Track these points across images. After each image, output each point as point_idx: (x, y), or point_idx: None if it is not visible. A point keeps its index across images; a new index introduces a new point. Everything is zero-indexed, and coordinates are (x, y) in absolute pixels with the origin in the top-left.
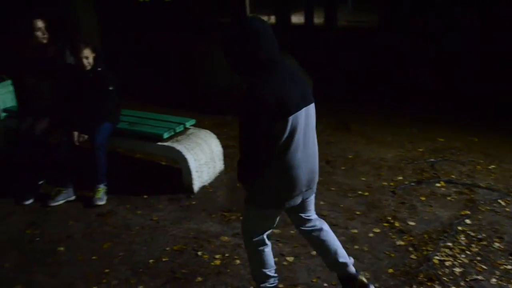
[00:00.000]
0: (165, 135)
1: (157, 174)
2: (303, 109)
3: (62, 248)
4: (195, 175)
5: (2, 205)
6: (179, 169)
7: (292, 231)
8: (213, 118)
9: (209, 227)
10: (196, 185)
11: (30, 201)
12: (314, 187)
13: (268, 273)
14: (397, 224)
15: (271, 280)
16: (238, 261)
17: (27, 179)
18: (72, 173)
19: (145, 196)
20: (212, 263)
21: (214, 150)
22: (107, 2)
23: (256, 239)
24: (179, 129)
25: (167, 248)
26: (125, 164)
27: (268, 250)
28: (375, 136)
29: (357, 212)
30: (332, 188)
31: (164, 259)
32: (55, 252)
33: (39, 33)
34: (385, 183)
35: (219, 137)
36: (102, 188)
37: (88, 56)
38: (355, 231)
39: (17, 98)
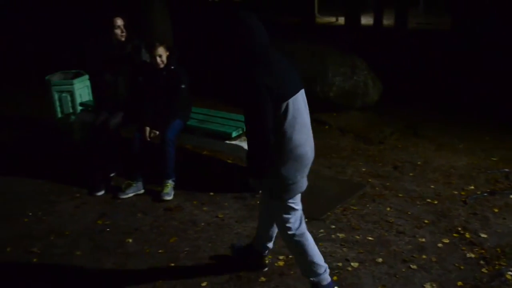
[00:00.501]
0: (234, 134)
1: (223, 172)
2: (299, 93)
3: (130, 240)
4: None
5: (76, 195)
6: (244, 168)
7: (357, 236)
8: None
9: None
10: None
11: (101, 193)
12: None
13: (317, 262)
14: (467, 235)
15: (322, 269)
16: None
17: (99, 171)
18: (142, 167)
19: (211, 193)
20: (276, 264)
21: None
22: (180, 3)
23: (298, 232)
24: None
25: None
26: (193, 160)
27: (310, 238)
28: (445, 142)
29: (426, 221)
30: (400, 195)
31: (228, 257)
32: (123, 244)
33: (118, 31)
34: (456, 192)
35: None
36: (170, 183)
37: (161, 55)
38: (423, 240)
39: (94, 93)
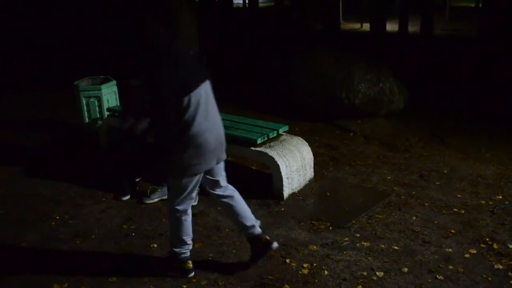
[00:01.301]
0: (259, 141)
1: (247, 178)
2: (202, 85)
3: (155, 245)
4: (285, 182)
5: (102, 199)
6: (269, 175)
7: (382, 245)
8: (304, 125)
9: (297, 235)
10: (286, 191)
11: (127, 197)
12: (224, 150)
13: (185, 238)
14: (495, 246)
15: (185, 247)
16: (326, 272)
17: (125, 176)
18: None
19: None
20: (300, 272)
21: (306, 157)
22: (206, 9)
23: (181, 208)
24: (272, 135)
25: None
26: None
27: (189, 219)
28: (472, 150)
29: (452, 231)
30: (426, 204)
31: (253, 264)
32: (148, 248)
33: None
34: (483, 202)
35: (310, 145)
36: None
37: None
38: (450, 250)
39: (121, 99)
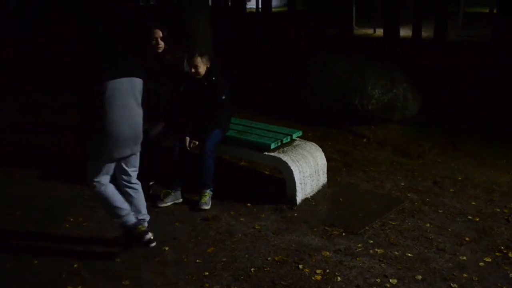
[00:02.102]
0: (272, 146)
1: (260, 183)
2: (124, 79)
3: (168, 248)
4: (298, 187)
5: None
6: (282, 180)
7: (396, 252)
8: (317, 130)
9: (310, 241)
10: (299, 197)
11: None
12: (139, 143)
13: (118, 207)
14: (510, 254)
15: (124, 213)
16: (339, 278)
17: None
18: (181, 176)
19: (248, 204)
20: (313, 278)
21: (319, 163)
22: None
23: (95, 182)
24: (285, 140)
25: (269, 258)
26: (230, 171)
27: (109, 189)
28: (487, 157)
29: (467, 238)
30: (440, 211)
31: (265, 269)
32: (161, 252)
33: (153, 42)
34: (498, 210)
35: (323, 150)
36: (208, 193)
37: (197, 65)
38: (464, 258)
39: None
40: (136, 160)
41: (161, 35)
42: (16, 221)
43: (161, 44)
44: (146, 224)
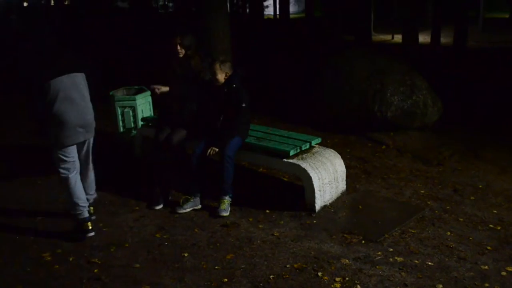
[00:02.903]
0: (292, 152)
1: (279, 190)
2: (64, 77)
3: (187, 255)
4: (317, 194)
5: (136, 208)
6: (301, 186)
7: (416, 261)
8: (336, 137)
9: (329, 248)
10: (318, 204)
11: (160, 206)
12: (91, 130)
13: (77, 201)
14: None
15: (80, 209)
16: (358, 286)
17: (158, 186)
18: (200, 182)
19: (267, 211)
20: (332, 286)
21: (338, 170)
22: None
23: (62, 169)
24: (304, 147)
25: (288, 265)
26: (249, 177)
27: (74, 180)
28: (508, 165)
29: (488, 247)
30: (460, 219)
31: (284, 276)
32: (181, 258)
33: (175, 49)
34: None
35: (342, 157)
36: (227, 199)
37: (216, 73)
38: (486, 267)
39: (157, 109)
40: (90, 145)
41: (179, 41)
42: (38, 226)
43: (180, 50)
44: (87, 214)
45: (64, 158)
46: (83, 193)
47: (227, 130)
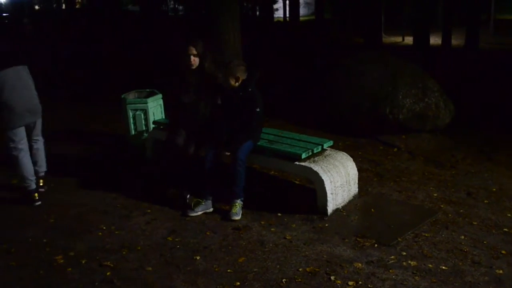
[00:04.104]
0: (303, 155)
1: (291, 193)
2: (9, 69)
3: (199, 258)
4: (330, 197)
5: (147, 211)
6: (312, 189)
7: (430, 265)
8: (347, 140)
9: (342, 252)
10: (330, 207)
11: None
12: (38, 113)
13: (25, 175)
14: None
15: (28, 182)
16: None
17: (171, 188)
18: (212, 185)
19: (279, 214)
20: None
21: (350, 173)
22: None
23: (12, 147)
24: (316, 150)
25: (300, 269)
26: (260, 180)
27: (24, 156)
28: None
29: (503, 251)
30: (474, 223)
31: (297, 280)
32: (193, 261)
33: (187, 58)
34: None
35: (353, 160)
36: (238, 203)
37: (229, 76)
38: (500, 271)
39: (169, 113)
40: (38, 126)
41: (194, 52)
42: (50, 228)
43: (194, 60)
44: (34, 185)
45: (14, 138)
46: (31, 168)
47: (240, 134)
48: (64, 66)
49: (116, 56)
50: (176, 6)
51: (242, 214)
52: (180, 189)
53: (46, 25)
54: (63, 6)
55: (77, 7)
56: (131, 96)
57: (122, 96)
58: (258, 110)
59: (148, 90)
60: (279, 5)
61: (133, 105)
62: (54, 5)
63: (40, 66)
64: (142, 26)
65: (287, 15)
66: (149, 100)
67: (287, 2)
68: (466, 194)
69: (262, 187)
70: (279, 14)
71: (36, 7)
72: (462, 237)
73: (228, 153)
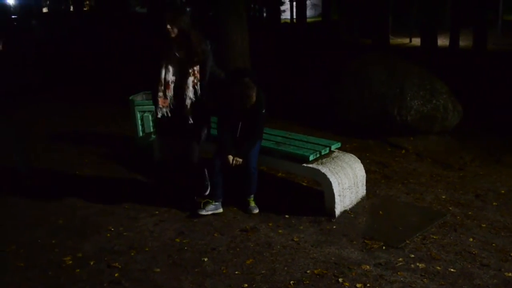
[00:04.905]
0: (311, 157)
1: (298, 195)
2: None
3: (206, 259)
4: (337, 199)
5: (155, 213)
6: (320, 191)
7: (438, 267)
8: (355, 142)
9: (350, 254)
10: (338, 209)
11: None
12: None
13: None
14: None
15: None
16: None
17: (181, 189)
18: (222, 187)
19: (286, 216)
20: None
21: (358, 175)
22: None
23: None
24: (324, 151)
25: (308, 271)
26: (268, 182)
27: None
28: None
29: None
30: (483, 225)
31: (305, 282)
32: (200, 262)
33: (165, 30)
34: None
35: (361, 162)
36: (252, 198)
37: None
38: (510, 274)
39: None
40: None
41: (169, 21)
42: (58, 230)
43: (172, 29)
44: None
45: None
46: None
47: (250, 137)
48: (71, 66)
49: (124, 58)
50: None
51: (249, 216)
52: (188, 189)
53: (54, 26)
54: (71, 8)
55: (85, 9)
56: (139, 97)
57: (130, 98)
58: (263, 111)
59: None
60: (286, 6)
61: (140, 106)
62: (62, 7)
63: (47, 66)
64: (149, 27)
65: (294, 17)
66: None
67: (294, 3)
68: (474, 196)
69: (269, 188)
70: (286, 15)
71: (44, 9)
72: (471, 239)
73: (240, 160)
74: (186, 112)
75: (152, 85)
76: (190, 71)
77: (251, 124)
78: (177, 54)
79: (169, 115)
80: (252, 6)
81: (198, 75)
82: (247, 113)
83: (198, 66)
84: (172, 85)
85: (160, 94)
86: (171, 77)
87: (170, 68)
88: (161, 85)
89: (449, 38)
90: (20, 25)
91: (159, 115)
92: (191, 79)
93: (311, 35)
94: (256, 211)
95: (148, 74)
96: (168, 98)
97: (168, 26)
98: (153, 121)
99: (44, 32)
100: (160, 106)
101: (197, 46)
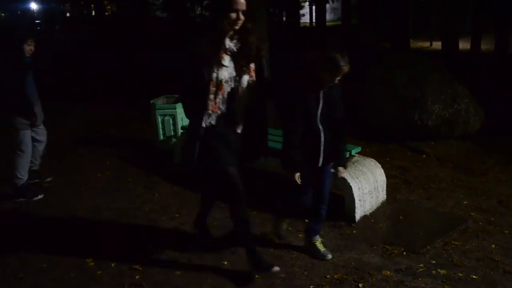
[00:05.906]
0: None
1: None
2: None
3: (226, 263)
4: (358, 204)
5: (176, 216)
6: (340, 196)
7: (460, 274)
8: (375, 146)
9: (370, 259)
10: (358, 214)
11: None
12: None
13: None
14: None
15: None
16: None
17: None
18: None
19: (306, 220)
20: None
21: (378, 179)
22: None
23: None
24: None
25: (328, 276)
26: (286, 186)
27: None
28: None
29: None
30: (506, 231)
31: (325, 287)
32: (220, 265)
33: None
34: None
35: (382, 166)
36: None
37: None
38: None
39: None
40: None
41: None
42: (80, 233)
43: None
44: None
45: None
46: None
47: (342, 139)
48: (94, 71)
49: (146, 62)
50: (203, 12)
51: (268, 220)
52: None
53: (77, 31)
54: (93, 13)
55: (106, 13)
56: (160, 101)
57: (151, 101)
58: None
59: (176, 95)
60: (305, 10)
61: (162, 110)
62: (84, 12)
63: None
64: (170, 32)
65: (313, 21)
66: (178, 105)
67: (314, 7)
68: (497, 202)
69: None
70: (305, 19)
71: (68, 14)
72: (493, 245)
73: (345, 170)
74: (239, 119)
75: (183, 87)
76: (245, 69)
77: (339, 121)
78: (234, 48)
79: (215, 123)
80: (272, 10)
81: (253, 74)
82: (332, 108)
83: (253, 64)
84: (225, 85)
85: (211, 96)
86: (225, 76)
87: (223, 65)
88: (213, 86)
89: (470, 41)
90: (43, 29)
91: (204, 124)
92: (246, 77)
93: (329, 38)
94: (330, 256)
95: (175, 74)
96: (219, 102)
97: (240, 13)
98: (173, 124)
99: (66, 36)
100: (210, 111)
101: (257, 39)
